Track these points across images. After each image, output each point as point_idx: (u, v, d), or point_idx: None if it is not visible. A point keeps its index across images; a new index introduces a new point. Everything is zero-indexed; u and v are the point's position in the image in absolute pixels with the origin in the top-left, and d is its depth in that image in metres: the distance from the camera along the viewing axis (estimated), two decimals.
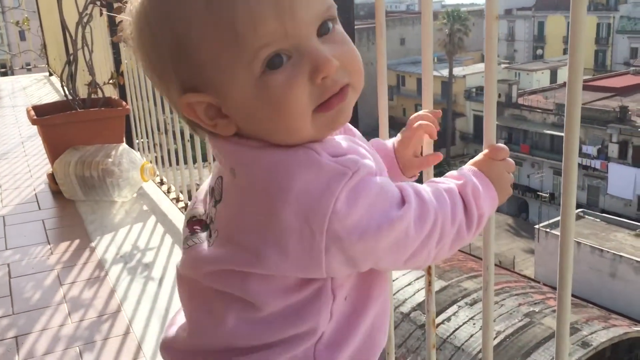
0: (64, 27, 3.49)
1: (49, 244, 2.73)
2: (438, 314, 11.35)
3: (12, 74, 9.09)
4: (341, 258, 0.70)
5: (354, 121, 1.02)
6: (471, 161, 0.89)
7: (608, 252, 17.38)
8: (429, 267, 1.14)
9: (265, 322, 0.76)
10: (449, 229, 0.75)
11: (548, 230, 18.77)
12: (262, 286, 0.74)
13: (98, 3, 3.01)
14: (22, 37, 8.73)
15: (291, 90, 0.67)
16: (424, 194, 0.74)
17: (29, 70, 8.94)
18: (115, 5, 2.75)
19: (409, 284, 12.48)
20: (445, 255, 0.79)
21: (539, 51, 38.42)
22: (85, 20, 3.21)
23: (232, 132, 0.74)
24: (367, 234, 0.68)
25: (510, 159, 0.90)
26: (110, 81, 3.51)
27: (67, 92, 3.37)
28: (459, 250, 16.45)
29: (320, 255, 0.69)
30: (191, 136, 2.73)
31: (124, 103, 3.41)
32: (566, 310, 0.90)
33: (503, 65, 32.75)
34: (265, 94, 0.68)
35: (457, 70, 34.08)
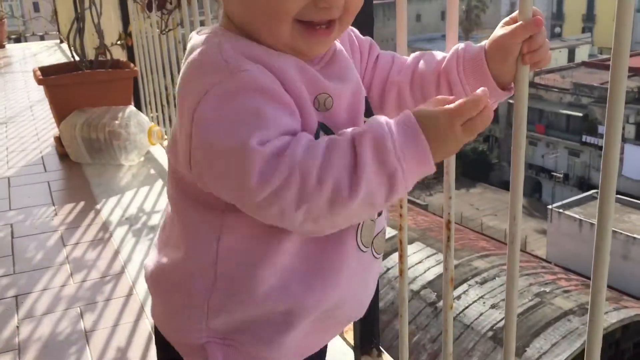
0: None
1: (54, 205, 2.67)
2: None
3: (26, 40, 9.02)
4: (194, 153, 0.69)
5: None
6: (422, 107, 0.69)
7: (621, 233, 17.20)
8: (449, 222, 1.05)
9: (178, 226, 0.80)
10: (311, 189, 0.64)
11: (561, 210, 18.59)
12: (175, 189, 0.80)
13: None
14: (36, 7, 8.64)
15: None
16: (288, 149, 0.65)
17: (42, 38, 8.88)
18: None
19: (420, 262, 12.43)
20: (332, 218, 0.66)
21: (557, 29, 37.77)
22: None
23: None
24: (209, 138, 0.66)
25: (484, 111, 0.68)
26: (118, 42, 3.41)
27: (74, 53, 3.29)
28: (470, 229, 16.39)
29: (188, 140, 0.69)
30: None
31: (132, 65, 3.33)
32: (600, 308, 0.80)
33: None
34: None
35: None
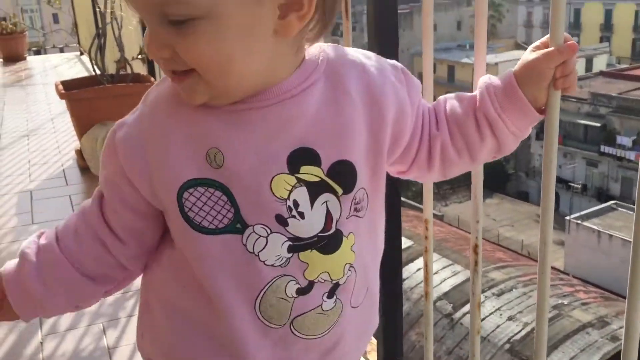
0: (94, 1, 3.44)
1: None
2: (463, 304, 11.21)
3: (46, 52, 9.14)
4: None
5: None
6: None
7: None
8: (476, 246, 1.04)
9: None
10: None
11: (579, 222, 18.40)
12: None
13: None
14: (56, 19, 8.75)
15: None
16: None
17: (62, 50, 8.99)
18: None
19: (436, 273, 12.36)
20: None
21: (575, 39, 37.44)
22: None
23: None
24: None
25: None
26: (139, 56, 3.45)
27: (95, 68, 3.32)
28: (486, 240, 16.24)
29: None
30: None
31: (152, 79, 3.36)
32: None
33: None
34: None
35: (490, 58, 33.53)
